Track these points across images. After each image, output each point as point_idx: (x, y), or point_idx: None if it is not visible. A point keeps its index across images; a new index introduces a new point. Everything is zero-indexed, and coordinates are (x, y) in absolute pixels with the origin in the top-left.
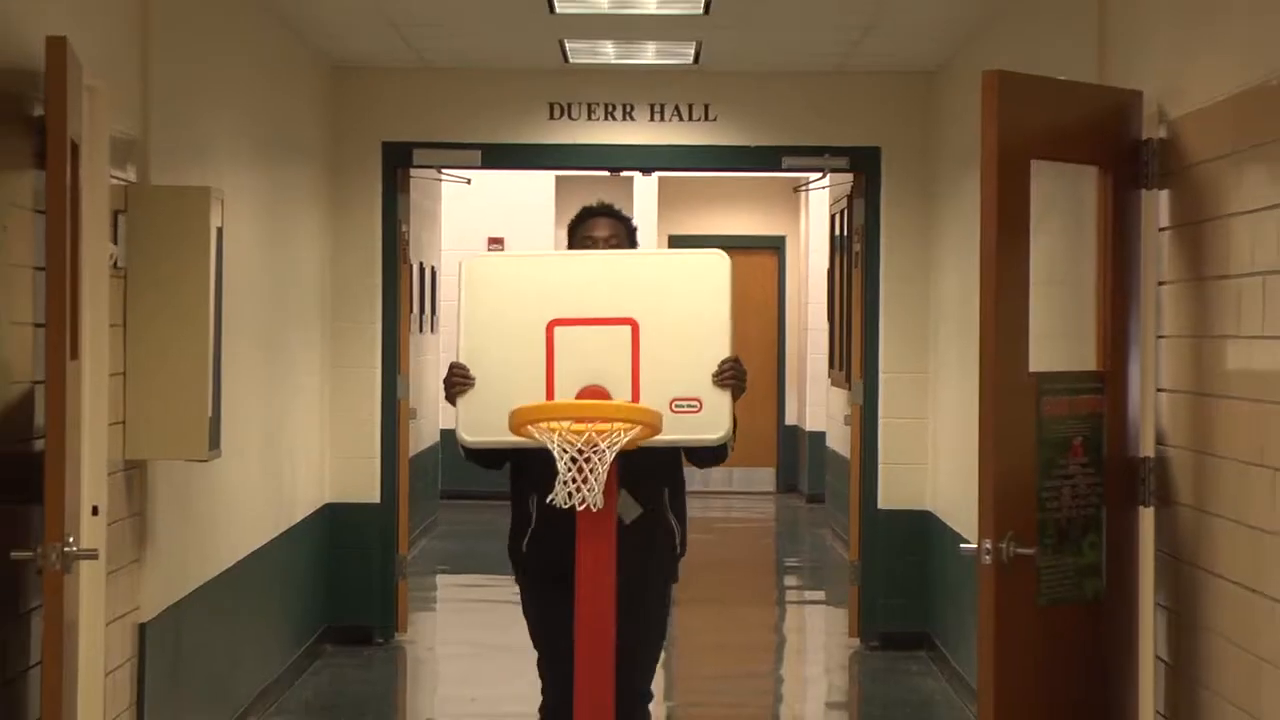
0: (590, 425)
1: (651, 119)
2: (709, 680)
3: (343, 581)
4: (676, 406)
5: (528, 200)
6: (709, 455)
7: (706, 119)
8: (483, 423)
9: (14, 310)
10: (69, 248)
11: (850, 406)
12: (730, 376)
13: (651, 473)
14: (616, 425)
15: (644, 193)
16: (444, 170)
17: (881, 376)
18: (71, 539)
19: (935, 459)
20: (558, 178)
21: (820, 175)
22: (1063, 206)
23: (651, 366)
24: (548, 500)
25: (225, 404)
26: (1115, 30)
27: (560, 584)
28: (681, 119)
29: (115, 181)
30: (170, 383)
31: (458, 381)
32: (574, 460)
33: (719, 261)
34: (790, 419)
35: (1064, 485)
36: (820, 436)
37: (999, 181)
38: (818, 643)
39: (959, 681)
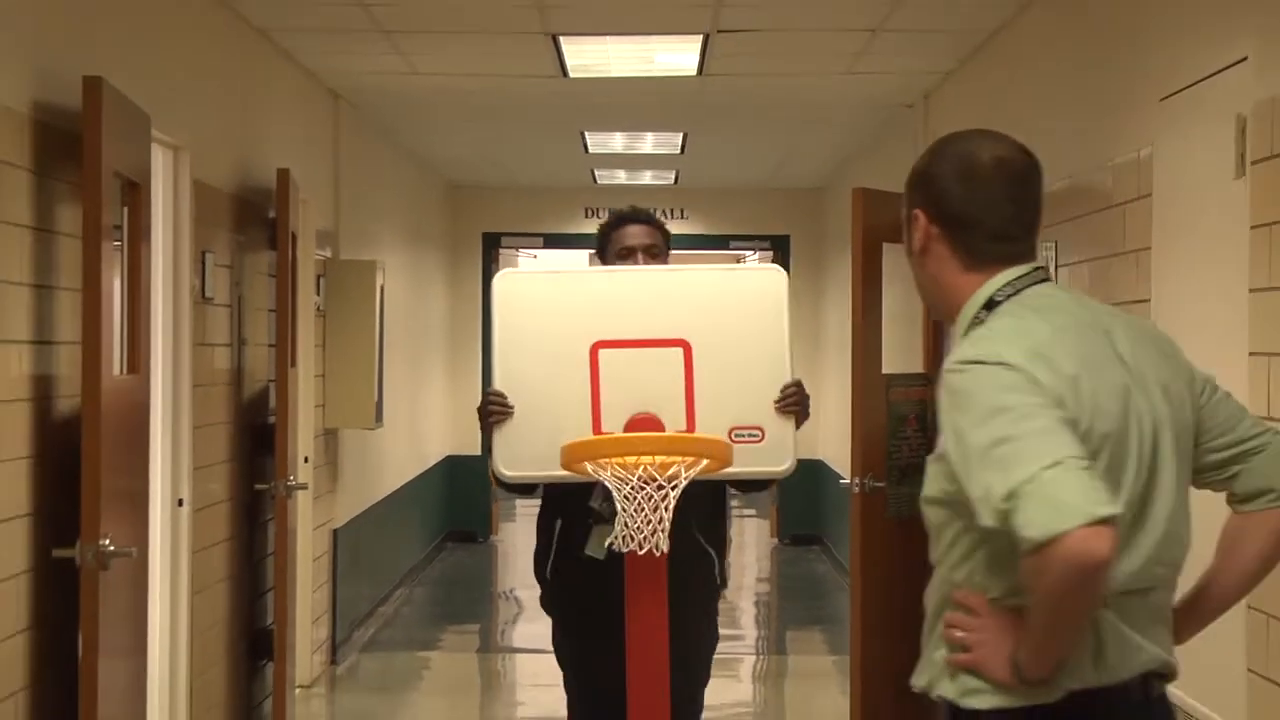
0: (649, 459)
1: None
2: None
3: (457, 502)
4: (736, 436)
5: (571, 267)
6: (755, 482)
7: (682, 217)
8: (522, 456)
9: (256, 336)
10: (290, 298)
11: None
12: (794, 402)
13: (689, 499)
14: (679, 459)
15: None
16: (520, 250)
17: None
18: (292, 477)
19: (825, 427)
20: (590, 255)
21: (753, 252)
22: (904, 272)
23: (707, 392)
24: (606, 542)
25: (385, 394)
26: None
27: (585, 618)
28: (668, 217)
29: (318, 257)
30: (351, 381)
31: (495, 410)
32: (630, 499)
33: (776, 277)
34: None
35: (903, 444)
36: None
37: (863, 256)
38: (751, 540)
39: (839, 565)
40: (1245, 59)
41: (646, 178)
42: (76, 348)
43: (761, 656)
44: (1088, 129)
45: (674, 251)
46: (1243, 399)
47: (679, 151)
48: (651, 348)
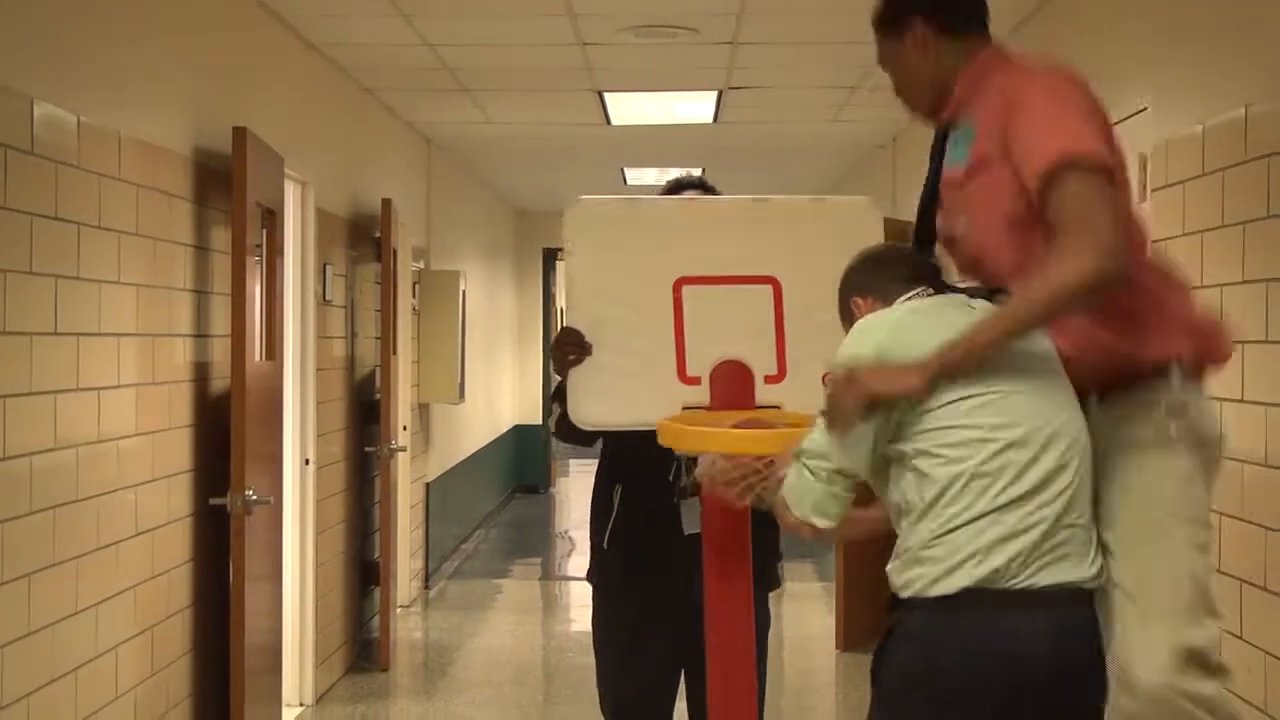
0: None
1: None
2: None
3: (523, 462)
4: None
5: None
6: None
7: None
8: (602, 402)
9: (365, 331)
10: (392, 300)
11: None
12: None
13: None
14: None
15: None
16: None
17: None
18: (393, 441)
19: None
20: None
21: None
22: None
23: (798, 334)
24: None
25: (466, 375)
26: (901, 187)
27: (639, 596)
28: None
29: (414, 268)
30: (440, 364)
31: (572, 350)
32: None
33: (868, 208)
34: None
35: None
36: None
37: None
38: None
39: None
40: (1145, 109)
41: None
42: (227, 340)
43: None
44: None
45: None
46: None
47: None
48: (738, 284)
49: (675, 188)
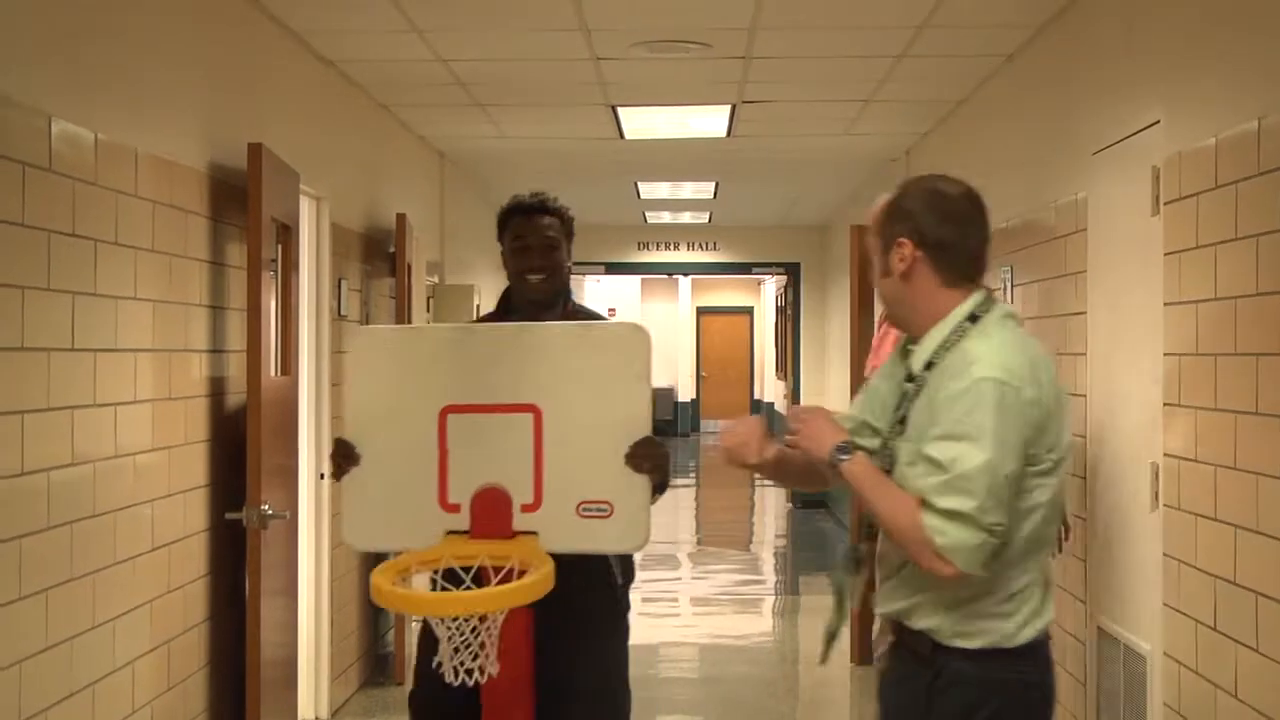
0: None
1: (688, 249)
2: (717, 523)
3: None
4: (584, 510)
5: (627, 289)
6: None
7: (715, 249)
8: (369, 525)
9: None
10: (407, 315)
11: (785, 389)
12: (646, 459)
13: None
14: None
15: (684, 284)
16: (587, 274)
17: (801, 374)
18: None
19: None
20: (642, 279)
21: (770, 275)
22: None
23: (558, 462)
24: (433, 664)
25: None
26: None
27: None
28: (703, 249)
29: (428, 282)
30: None
31: (340, 460)
32: (454, 632)
33: (636, 335)
34: (756, 395)
35: None
36: (770, 404)
37: (859, 276)
38: (769, 506)
39: (840, 523)
40: (1158, 122)
41: (686, 217)
42: (242, 355)
43: (779, 597)
44: (1035, 177)
45: (705, 277)
46: (1158, 392)
47: (712, 196)
48: (501, 413)
49: (514, 208)
